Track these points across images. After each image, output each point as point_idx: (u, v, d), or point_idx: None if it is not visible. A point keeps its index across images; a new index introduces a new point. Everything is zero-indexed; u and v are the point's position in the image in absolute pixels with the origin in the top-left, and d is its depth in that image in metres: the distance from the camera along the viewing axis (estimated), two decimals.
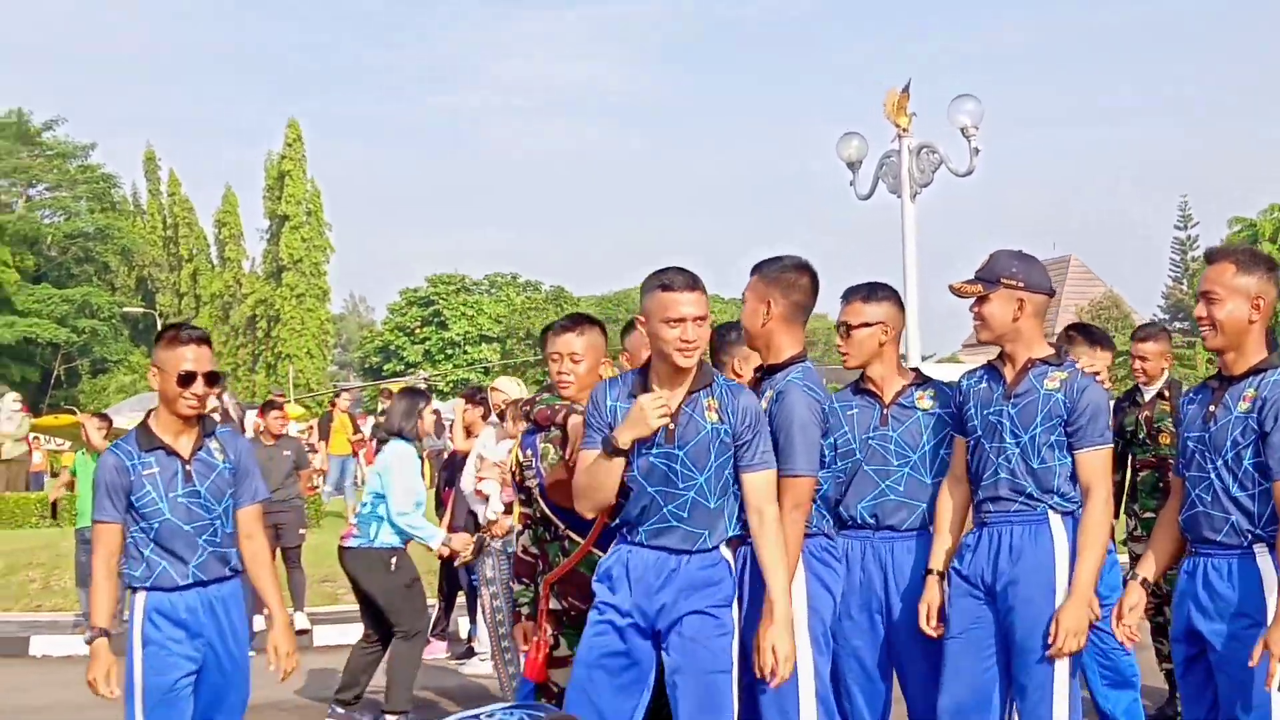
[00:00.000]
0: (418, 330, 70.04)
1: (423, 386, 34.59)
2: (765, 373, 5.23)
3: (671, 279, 4.73)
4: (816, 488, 5.08)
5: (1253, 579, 4.72)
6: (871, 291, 5.45)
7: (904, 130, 14.95)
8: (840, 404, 5.49)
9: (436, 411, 14.78)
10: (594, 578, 4.93)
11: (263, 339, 68.32)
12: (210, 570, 5.34)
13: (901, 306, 5.57)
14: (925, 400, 5.42)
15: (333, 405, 21.15)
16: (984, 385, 5.27)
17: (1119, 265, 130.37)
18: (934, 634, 5.23)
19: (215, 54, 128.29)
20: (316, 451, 19.96)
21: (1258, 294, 4.78)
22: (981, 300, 5.19)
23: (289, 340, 66.51)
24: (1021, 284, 5.13)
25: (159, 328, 7.06)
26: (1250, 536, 4.74)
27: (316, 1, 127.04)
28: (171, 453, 5.31)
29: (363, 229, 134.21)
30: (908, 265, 14.98)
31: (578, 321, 5.63)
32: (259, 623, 12.42)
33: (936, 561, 5.27)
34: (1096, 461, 5.06)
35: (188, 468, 5.31)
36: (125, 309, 64.25)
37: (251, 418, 24.39)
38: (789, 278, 5.22)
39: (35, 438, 30.07)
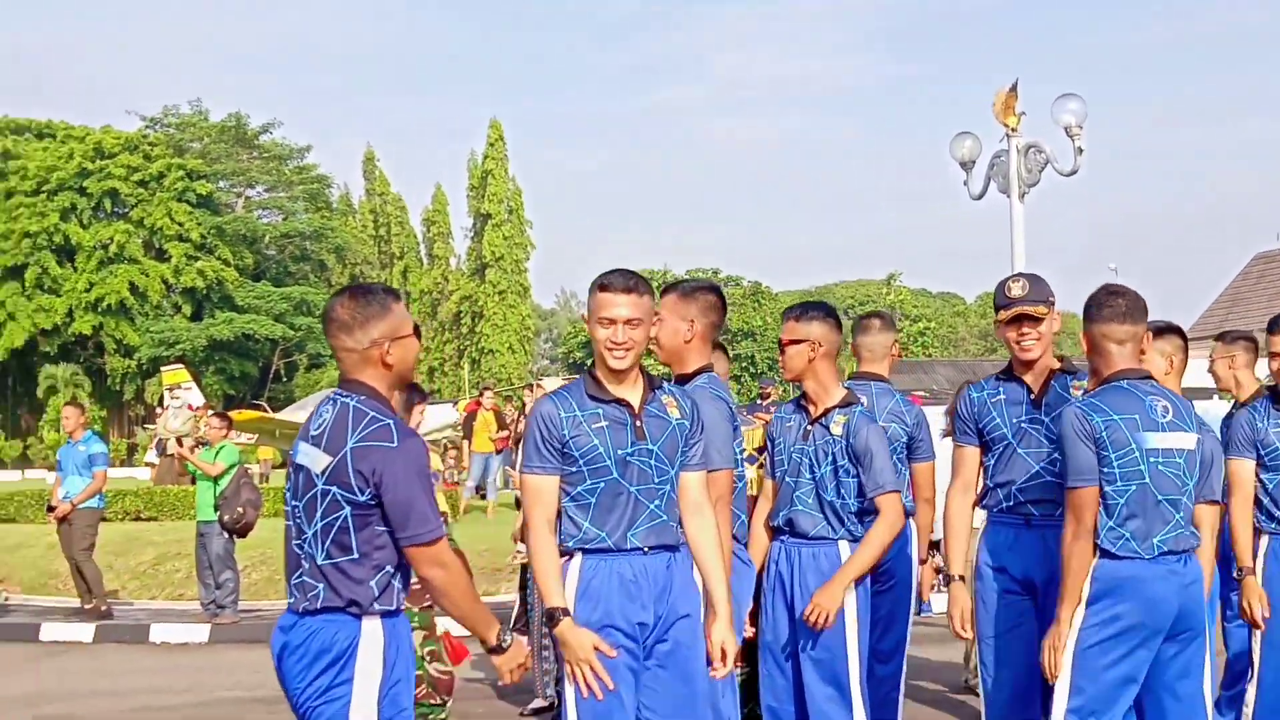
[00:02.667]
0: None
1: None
2: (676, 382, 5.48)
3: (611, 279, 4.77)
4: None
5: None
6: (803, 311, 5.85)
7: (1012, 130, 14.85)
8: (783, 416, 5.96)
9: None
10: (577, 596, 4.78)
11: (467, 335, 70.12)
12: None
13: (837, 326, 5.88)
14: (837, 427, 5.72)
15: (476, 403, 21.40)
16: (1002, 396, 5.62)
17: None
18: (968, 636, 5.63)
19: (427, 55, 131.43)
20: (458, 448, 20.37)
21: None
22: (1039, 321, 5.52)
23: (491, 336, 68.15)
24: (1054, 304, 5.56)
25: None
26: None
27: (531, 1, 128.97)
28: None
29: (574, 225, 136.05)
30: (1015, 265, 14.84)
31: None
32: None
33: (959, 567, 5.61)
34: None
35: None
36: None
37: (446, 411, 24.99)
38: (708, 299, 5.61)
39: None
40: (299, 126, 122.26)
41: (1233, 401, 7.65)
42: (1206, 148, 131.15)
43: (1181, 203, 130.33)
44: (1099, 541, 4.99)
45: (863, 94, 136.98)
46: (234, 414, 34.26)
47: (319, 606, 4.08)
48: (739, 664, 5.13)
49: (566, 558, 4.75)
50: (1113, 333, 5.08)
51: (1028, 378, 5.56)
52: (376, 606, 4.07)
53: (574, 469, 4.72)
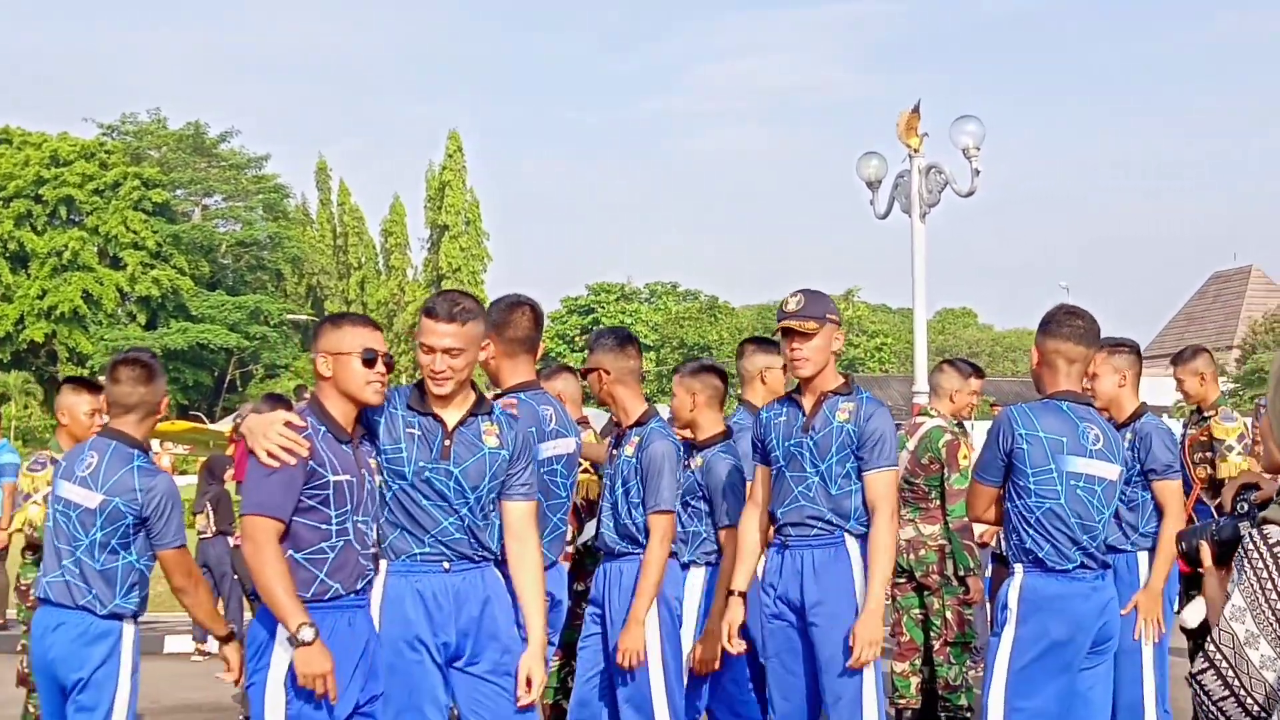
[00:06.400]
0: (577, 338, 70.96)
1: None
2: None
3: (436, 305, 4.82)
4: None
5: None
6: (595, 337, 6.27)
7: (915, 150, 14.91)
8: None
9: None
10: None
11: None
12: None
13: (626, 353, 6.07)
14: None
15: None
16: (783, 417, 5.64)
17: None
18: (732, 649, 5.68)
19: (389, 65, 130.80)
20: None
21: None
22: (808, 337, 5.48)
23: None
24: (836, 320, 5.53)
25: None
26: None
27: (494, 11, 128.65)
28: None
29: (535, 237, 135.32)
30: (917, 284, 14.91)
31: None
32: None
33: (737, 583, 5.68)
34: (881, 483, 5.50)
35: None
36: (292, 316, 66.37)
37: None
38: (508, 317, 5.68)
39: (163, 443, 31.31)
40: (258, 136, 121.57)
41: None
42: (1169, 165, 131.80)
43: (1139, 221, 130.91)
44: (1025, 547, 5.25)
45: (827, 109, 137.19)
46: (166, 425, 34.20)
47: None
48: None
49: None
50: (1068, 351, 5.29)
51: (804, 399, 5.58)
52: None
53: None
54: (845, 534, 5.47)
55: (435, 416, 4.81)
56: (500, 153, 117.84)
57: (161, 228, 64.13)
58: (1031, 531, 5.23)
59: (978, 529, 7.80)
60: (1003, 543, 5.52)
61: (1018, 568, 5.30)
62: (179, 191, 68.52)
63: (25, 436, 55.17)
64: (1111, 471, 5.31)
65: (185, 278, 64.43)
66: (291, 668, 4.39)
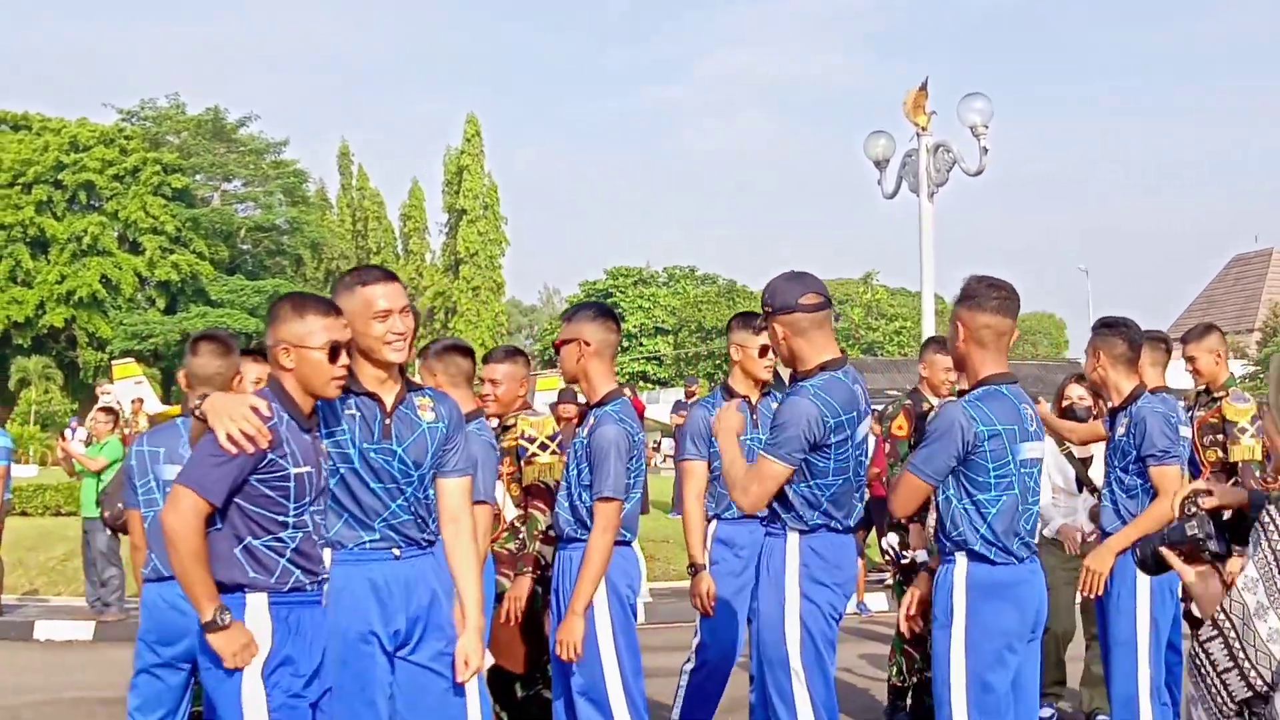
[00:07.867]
0: None
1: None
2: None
3: (365, 276, 4.70)
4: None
5: None
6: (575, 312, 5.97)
7: (923, 129, 14.72)
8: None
9: None
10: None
11: (440, 330, 69.95)
12: None
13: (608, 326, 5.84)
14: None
15: None
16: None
17: None
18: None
19: (409, 51, 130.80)
20: None
21: None
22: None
23: (465, 332, 67.84)
24: (774, 308, 5.20)
25: None
26: None
27: (499, 6, 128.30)
28: None
29: (552, 222, 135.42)
30: (925, 264, 14.72)
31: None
32: None
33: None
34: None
35: None
36: None
37: None
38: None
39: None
40: (277, 121, 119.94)
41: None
42: (1194, 151, 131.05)
43: (1160, 205, 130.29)
44: (972, 548, 4.95)
45: (840, 96, 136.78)
46: (175, 409, 34.30)
47: None
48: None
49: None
50: (997, 325, 4.97)
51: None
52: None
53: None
54: (787, 528, 5.21)
55: (372, 395, 4.68)
56: (506, 144, 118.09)
57: (180, 212, 64.21)
58: (984, 528, 4.94)
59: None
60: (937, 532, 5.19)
61: (959, 557, 4.99)
62: (198, 176, 68.53)
63: (45, 421, 55.31)
64: (1043, 450, 5.12)
65: (204, 262, 64.54)
66: (269, 658, 4.21)
